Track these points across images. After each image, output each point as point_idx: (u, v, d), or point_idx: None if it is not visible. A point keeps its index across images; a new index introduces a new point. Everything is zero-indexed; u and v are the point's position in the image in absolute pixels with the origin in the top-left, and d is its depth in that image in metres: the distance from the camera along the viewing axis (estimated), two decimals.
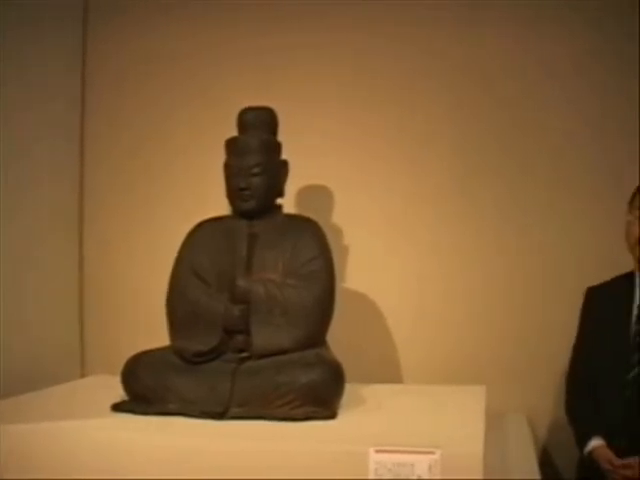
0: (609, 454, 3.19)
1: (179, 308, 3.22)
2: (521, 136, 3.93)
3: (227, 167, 3.30)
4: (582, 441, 3.29)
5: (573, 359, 3.51)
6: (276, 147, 3.34)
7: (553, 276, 3.88)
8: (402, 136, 4.02)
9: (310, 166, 3.84)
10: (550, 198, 3.90)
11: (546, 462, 3.79)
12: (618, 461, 3.15)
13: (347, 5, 4.04)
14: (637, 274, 3.35)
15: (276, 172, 3.31)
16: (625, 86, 3.81)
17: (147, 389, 2.98)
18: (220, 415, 2.89)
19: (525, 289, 3.91)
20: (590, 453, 3.25)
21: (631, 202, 3.34)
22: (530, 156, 3.93)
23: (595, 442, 3.25)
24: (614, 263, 3.44)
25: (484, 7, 3.94)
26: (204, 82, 4.15)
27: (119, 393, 3.07)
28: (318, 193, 3.98)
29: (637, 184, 3.34)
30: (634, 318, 3.29)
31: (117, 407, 3.02)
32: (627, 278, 3.38)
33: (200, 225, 3.40)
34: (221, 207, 3.50)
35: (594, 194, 3.81)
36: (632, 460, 3.13)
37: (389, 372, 3.94)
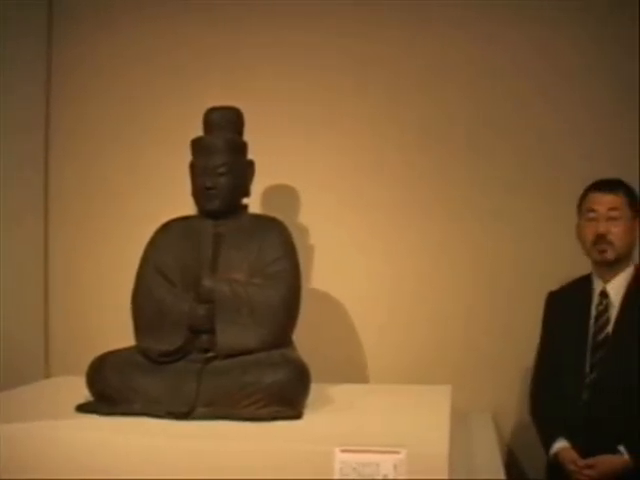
0: (573, 455, 3.22)
1: (145, 308, 3.20)
2: (490, 137, 3.96)
3: (193, 167, 3.30)
4: (547, 443, 3.32)
5: (536, 362, 3.53)
6: (242, 147, 3.33)
7: (518, 278, 3.90)
8: (370, 135, 4.03)
9: (276, 166, 3.84)
10: (517, 203, 3.93)
11: (511, 462, 3.82)
12: (582, 461, 3.18)
13: (313, 5, 4.04)
14: (594, 276, 3.37)
15: (242, 172, 3.30)
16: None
17: (112, 389, 2.97)
18: (185, 415, 2.88)
19: (491, 291, 3.93)
20: (555, 455, 3.28)
21: (580, 205, 3.37)
22: (496, 159, 3.95)
23: (559, 444, 3.27)
24: (577, 265, 3.45)
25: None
26: (170, 82, 4.14)
27: (84, 394, 3.05)
28: (284, 193, 3.98)
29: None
30: (592, 320, 3.31)
31: (82, 408, 3.00)
32: (585, 281, 3.41)
33: (166, 225, 3.38)
34: (188, 207, 3.48)
35: (560, 199, 3.82)
36: (594, 460, 3.16)
37: (355, 372, 3.94)
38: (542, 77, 3.91)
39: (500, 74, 3.95)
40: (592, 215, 3.28)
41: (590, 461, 3.17)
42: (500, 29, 3.95)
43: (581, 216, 3.35)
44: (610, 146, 3.83)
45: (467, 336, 3.92)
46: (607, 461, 3.15)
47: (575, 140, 3.88)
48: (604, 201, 3.27)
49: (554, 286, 3.54)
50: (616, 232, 3.25)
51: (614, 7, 3.84)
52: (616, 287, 3.31)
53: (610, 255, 3.26)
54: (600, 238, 3.25)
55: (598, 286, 3.35)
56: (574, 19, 3.88)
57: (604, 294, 3.32)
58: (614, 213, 3.25)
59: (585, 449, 3.19)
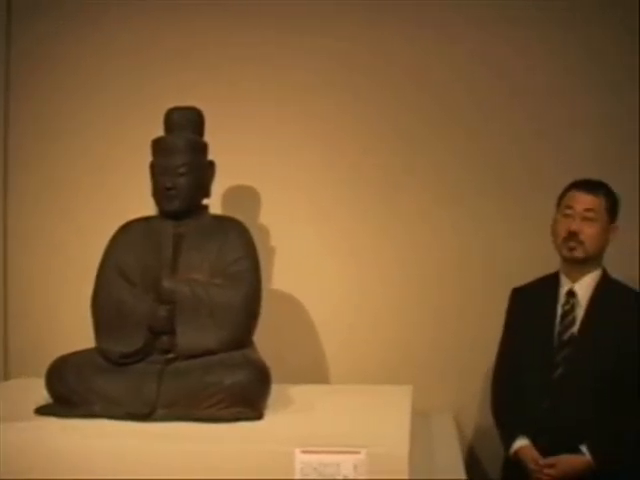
0: (534, 453, 3.24)
1: (104, 309, 3.18)
2: (461, 138, 3.98)
3: (153, 167, 3.28)
4: (508, 441, 3.33)
5: (498, 359, 3.54)
6: (202, 147, 3.32)
7: (481, 278, 3.92)
8: (332, 135, 4.03)
9: (237, 166, 3.83)
10: (481, 202, 3.95)
11: (473, 462, 3.83)
12: (543, 460, 3.20)
13: (271, 4, 4.03)
14: (562, 275, 3.39)
15: (202, 172, 3.29)
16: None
17: (72, 391, 2.95)
18: (146, 417, 2.87)
19: (453, 290, 3.94)
20: (516, 453, 3.29)
21: (559, 201, 3.38)
22: (467, 159, 3.97)
23: (520, 442, 3.29)
24: (542, 264, 3.47)
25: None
26: (132, 82, 4.11)
27: (44, 396, 3.03)
28: (245, 193, 3.97)
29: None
30: (558, 318, 3.33)
31: (41, 410, 2.98)
32: (552, 278, 3.42)
33: (126, 225, 3.36)
34: (148, 207, 3.46)
35: (530, 199, 3.85)
36: (555, 459, 3.18)
37: (316, 373, 3.94)
38: (516, 78, 3.94)
39: (470, 76, 3.96)
40: (569, 212, 3.30)
41: (551, 460, 3.19)
42: (469, 29, 3.97)
43: (558, 211, 3.36)
44: (584, 147, 3.87)
45: (429, 337, 3.93)
46: (568, 461, 3.17)
47: (547, 141, 3.90)
48: (583, 200, 3.28)
49: (513, 283, 3.55)
50: (588, 233, 3.26)
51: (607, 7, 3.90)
52: (584, 287, 3.33)
53: (578, 253, 3.28)
54: (572, 235, 3.26)
55: (565, 285, 3.36)
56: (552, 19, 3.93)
57: (571, 293, 3.34)
58: (590, 214, 3.26)
59: (547, 448, 3.21)
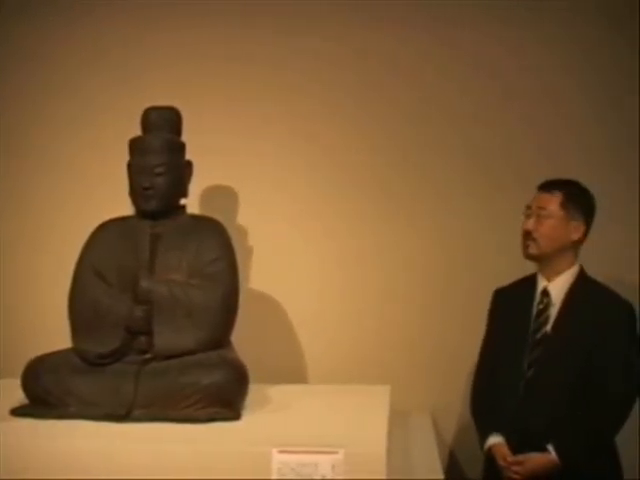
0: (505, 451, 3.25)
1: (81, 309, 3.17)
2: (442, 134, 3.98)
3: (130, 167, 3.28)
4: (483, 438, 3.35)
5: (479, 360, 3.55)
6: (180, 147, 3.32)
7: (457, 277, 3.92)
8: (314, 134, 4.02)
9: (214, 166, 3.82)
10: (457, 201, 3.95)
11: (450, 461, 3.85)
12: (511, 458, 3.21)
13: (251, 4, 4.03)
14: (538, 275, 3.41)
15: (180, 172, 3.29)
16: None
17: (48, 392, 2.95)
18: (123, 417, 2.86)
19: (430, 290, 3.94)
20: (489, 449, 3.31)
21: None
22: (449, 157, 3.97)
23: (493, 439, 3.30)
24: (526, 265, 3.48)
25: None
26: (108, 81, 4.09)
27: (20, 397, 3.02)
28: (222, 193, 3.97)
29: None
30: (533, 317, 3.35)
31: (16, 411, 2.97)
32: (530, 279, 3.44)
33: (103, 225, 3.36)
34: (126, 207, 3.45)
35: (506, 197, 3.86)
36: (523, 457, 3.19)
37: (294, 373, 3.93)
38: (508, 78, 3.95)
39: (461, 76, 3.97)
40: (528, 212, 3.33)
41: (519, 458, 3.20)
42: (460, 29, 3.97)
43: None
44: (576, 148, 3.88)
45: (408, 337, 3.93)
46: (535, 459, 3.18)
47: (538, 142, 3.91)
48: (537, 199, 3.32)
49: (498, 285, 3.56)
50: (542, 230, 3.28)
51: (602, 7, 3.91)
52: (558, 286, 3.34)
53: (532, 250, 3.30)
54: (527, 234, 3.30)
55: (541, 285, 3.37)
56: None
57: (545, 293, 3.35)
58: (543, 212, 3.28)
59: (519, 446, 3.22)
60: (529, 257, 3.33)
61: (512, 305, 3.42)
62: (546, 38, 3.92)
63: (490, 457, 3.30)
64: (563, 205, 3.29)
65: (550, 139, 3.91)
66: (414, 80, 3.99)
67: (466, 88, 3.96)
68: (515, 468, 3.19)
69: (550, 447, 3.17)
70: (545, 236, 3.29)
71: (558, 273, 3.34)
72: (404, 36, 3.98)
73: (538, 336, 3.30)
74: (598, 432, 3.20)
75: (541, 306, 3.33)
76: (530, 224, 3.29)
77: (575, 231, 3.33)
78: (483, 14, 3.94)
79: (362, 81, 4.01)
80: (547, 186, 3.33)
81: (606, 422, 3.21)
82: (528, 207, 3.33)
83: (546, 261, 3.33)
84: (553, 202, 3.29)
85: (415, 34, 3.98)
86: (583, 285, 3.34)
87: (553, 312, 3.31)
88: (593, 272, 3.37)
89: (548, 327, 3.30)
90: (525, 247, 3.31)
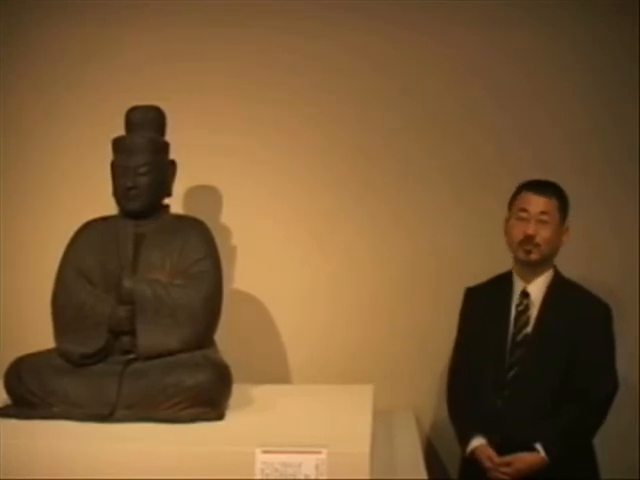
0: (490, 452, 3.26)
1: (64, 309, 3.16)
2: (436, 139, 4.00)
3: (114, 166, 3.27)
4: (464, 440, 3.35)
5: (453, 360, 3.57)
6: (164, 146, 3.32)
7: (438, 277, 3.94)
8: (299, 132, 4.03)
9: (198, 166, 3.82)
10: (438, 201, 3.97)
11: (433, 460, 3.85)
12: (498, 459, 3.22)
13: (240, 2, 4.03)
14: (515, 275, 3.41)
15: (163, 172, 3.28)
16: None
17: (30, 393, 2.93)
18: (106, 417, 2.85)
19: (411, 289, 3.96)
20: (472, 452, 3.31)
21: (512, 202, 3.39)
22: (438, 161, 3.98)
23: (476, 441, 3.31)
24: (495, 263, 3.49)
25: None
26: (93, 80, 4.08)
27: (3, 398, 3.01)
28: (206, 193, 3.96)
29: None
30: (512, 318, 3.36)
31: None
32: (505, 278, 3.44)
33: (86, 225, 3.35)
34: (109, 207, 3.44)
35: (499, 200, 3.86)
36: (511, 457, 3.20)
37: (278, 373, 3.94)
38: (497, 78, 3.97)
39: (452, 77, 3.98)
40: (524, 215, 3.30)
41: (507, 459, 3.21)
42: (453, 32, 3.98)
43: (512, 213, 3.37)
44: (570, 150, 3.91)
45: (388, 335, 3.94)
46: (524, 459, 3.20)
47: (528, 144, 3.93)
48: (536, 203, 3.29)
49: (475, 283, 3.57)
50: (544, 235, 3.28)
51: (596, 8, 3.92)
52: (537, 288, 3.35)
53: (535, 256, 3.29)
54: (528, 239, 3.28)
55: (519, 286, 3.38)
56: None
57: (525, 294, 3.36)
58: (545, 217, 3.27)
59: (503, 447, 3.24)
60: (529, 263, 3.33)
61: (488, 305, 3.43)
62: (542, 41, 3.93)
63: (471, 459, 3.31)
64: (560, 210, 3.31)
65: (545, 143, 3.92)
66: (406, 81, 4.00)
67: (460, 91, 3.97)
68: (504, 469, 3.20)
69: (539, 446, 3.18)
70: (547, 242, 3.29)
71: (537, 275, 3.35)
72: (396, 37, 3.99)
73: (519, 338, 3.31)
74: (580, 431, 3.23)
75: (521, 307, 3.34)
76: (532, 229, 3.28)
77: (565, 235, 3.35)
78: (478, 17, 3.95)
79: (350, 81, 4.01)
80: (544, 190, 3.31)
81: (587, 421, 3.24)
82: (522, 209, 3.31)
83: (535, 264, 3.34)
84: (552, 207, 3.29)
85: (408, 36, 3.99)
86: (561, 285, 3.37)
87: (534, 313, 3.33)
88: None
89: (529, 328, 3.31)
90: (526, 252, 3.30)
